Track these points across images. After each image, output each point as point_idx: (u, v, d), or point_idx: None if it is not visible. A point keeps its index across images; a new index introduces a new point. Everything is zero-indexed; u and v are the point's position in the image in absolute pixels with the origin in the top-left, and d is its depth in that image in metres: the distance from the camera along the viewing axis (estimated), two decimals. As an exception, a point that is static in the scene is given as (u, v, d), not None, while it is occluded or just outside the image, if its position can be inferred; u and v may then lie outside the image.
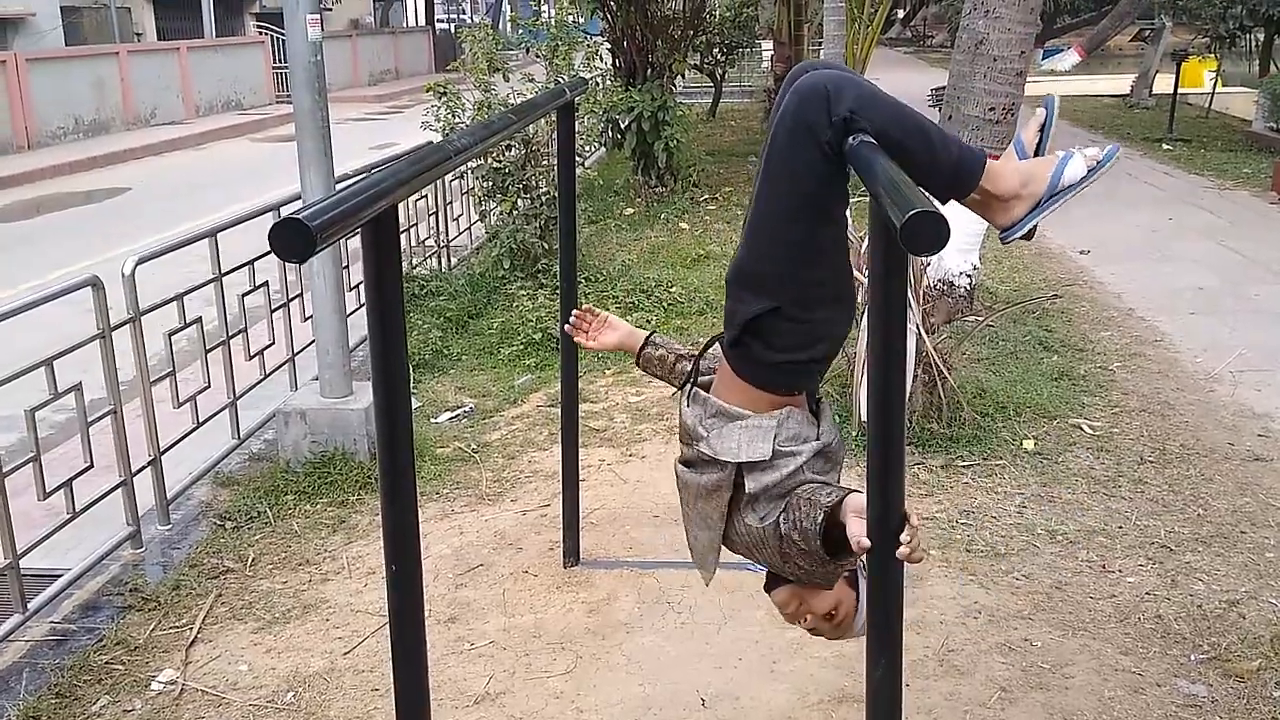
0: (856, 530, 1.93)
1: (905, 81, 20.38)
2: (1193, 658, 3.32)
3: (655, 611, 3.74)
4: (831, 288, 2.31)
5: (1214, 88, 17.63)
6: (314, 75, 4.67)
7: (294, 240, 1.40)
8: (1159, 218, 9.75)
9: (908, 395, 4.83)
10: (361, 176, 1.65)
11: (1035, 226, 2.24)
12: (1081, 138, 15.39)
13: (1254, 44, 15.89)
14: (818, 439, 2.38)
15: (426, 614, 3.73)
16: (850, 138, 2.08)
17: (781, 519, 2.30)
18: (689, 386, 2.62)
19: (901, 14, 39.10)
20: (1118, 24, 24.23)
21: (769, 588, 2.60)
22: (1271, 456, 4.72)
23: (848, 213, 2.34)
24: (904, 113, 2.18)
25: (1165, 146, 14.18)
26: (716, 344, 2.56)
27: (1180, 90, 16.21)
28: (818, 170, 2.18)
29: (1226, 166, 12.51)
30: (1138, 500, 4.38)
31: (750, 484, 2.30)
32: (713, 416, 2.46)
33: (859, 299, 2.97)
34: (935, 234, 1.36)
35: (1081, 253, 8.58)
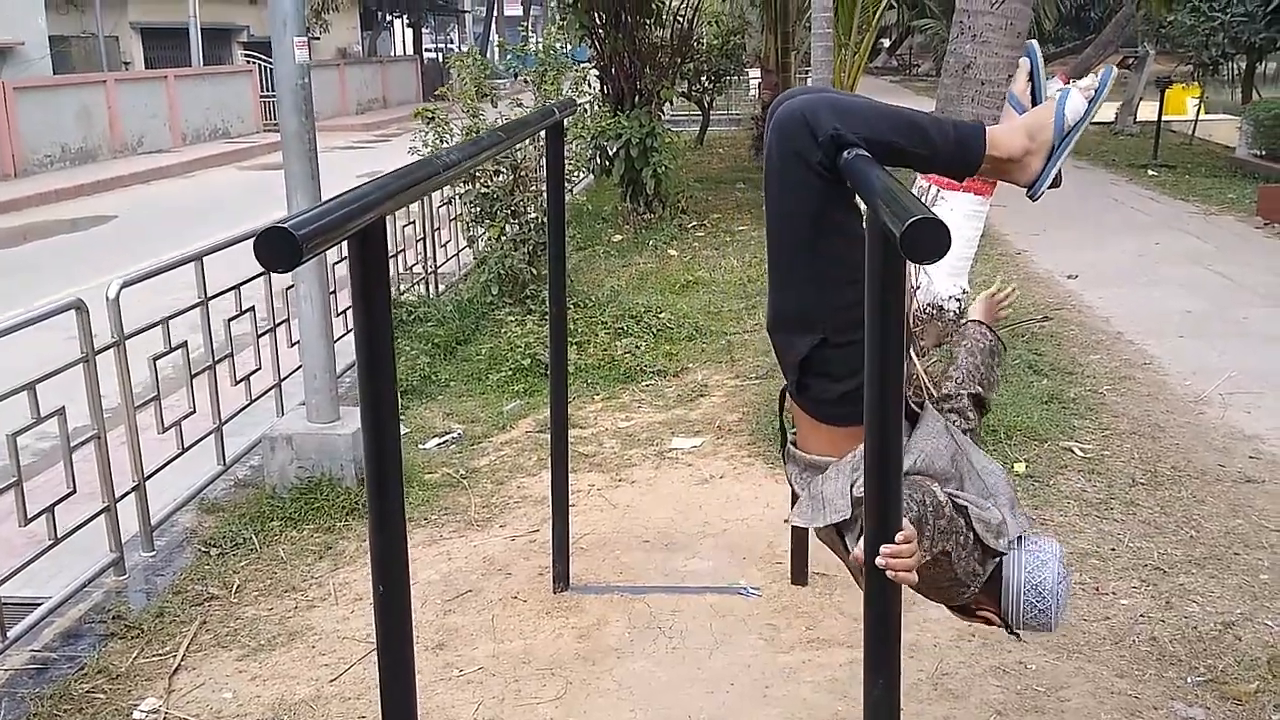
0: (857, 551, 1.90)
1: (891, 109, 20.46)
2: (1189, 680, 3.28)
3: (646, 636, 3.70)
4: None
5: (1197, 114, 17.78)
6: (301, 98, 4.65)
7: (280, 249, 1.38)
8: (1146, 243, 9.79)
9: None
10: (348, 190, 1.63)
11: (1060, 174, 2.23)
12: (1066, 165, 15.45)
13: (1236, 71, 16.03)
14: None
15: (415, 640, 3.69)
16: (842, 154, 2.07)
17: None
18: (784, 447, 2.57)
19: (887, 43, 39.36)
20: (1101, 52, 24.41)
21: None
22: (1263, 478, 4.70)
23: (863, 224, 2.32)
24: (886, 113, 2.17)
25: (1150, 172, 14.27)
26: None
27: (1164, 117, 16.34)
28: (818, 193, 2.17)
29: (1211, 192, 12.59)
30: (1130, 522, 4.35)
31: (851, 548, 2.20)
32: (804, 472, 2.43)
33: None
34: (936, 241, 1.35)
35: (1069, 277, 8.60)
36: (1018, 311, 7.46)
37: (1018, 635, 2.40)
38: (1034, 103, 2.36)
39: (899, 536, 1.79)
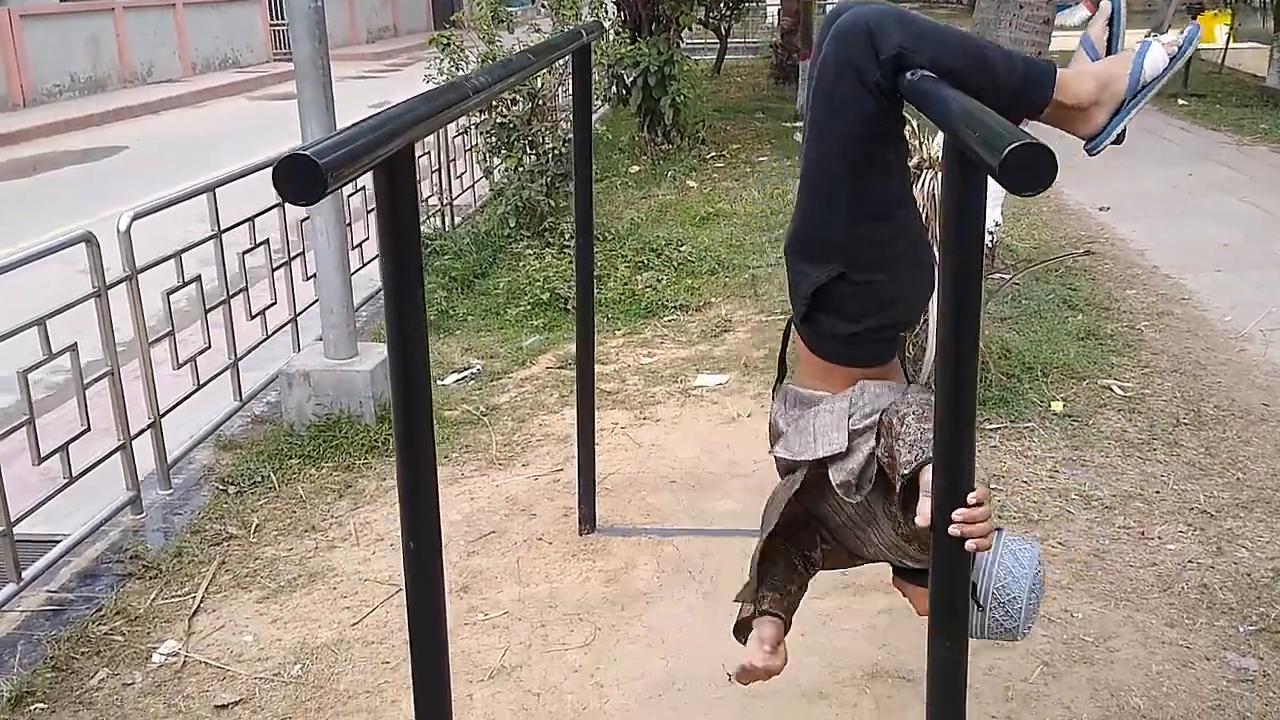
0: (925, 509, 1.76)
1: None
2: (1241, 629, 3.17)
3: (675, 581, 3.60)
4: (901, 242, 2.11)
5: (1227, 43, 17.31)
6: (314, 22, 4.47)
7: (302, 179, 1.23)
8: (1178, 174, 9.54)
9: (929, 359, 4.67)
10: (373, 114, 1.48)
11: (1125, 130, 2.06)
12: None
13: (1270, -1, 15.56)
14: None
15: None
16: (905, 75, 1.90)
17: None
18: (778, 384, 2.42)
19: (907, -31, 38.58)
20: (1129, -22, 23.86)
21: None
22: (1310, 418, 4.56)
23: (908, 160, 2.15)
24: (956, 39, 1.99)
25: (1180, 102, 13.92)
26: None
27: (1194, 45, 15.88)
28: (869, 116, 2.00)
29: (1244, 122, 12.27)
30: (1173, 464, 4.22)
31: (834, 477, 2.09)
32: (793, 407, 2.28)
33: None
34: (1042, 167, 1.19)
35: (1101, 209, 8.38)
36: (1048, 245, 7.28)
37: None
38: (1109, 51, 2.17)
39: (972, 498, 1.65)
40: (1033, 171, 1.20)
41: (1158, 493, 4.00)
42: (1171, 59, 2.04)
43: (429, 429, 1.68)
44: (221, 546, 3.96)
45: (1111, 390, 4.88)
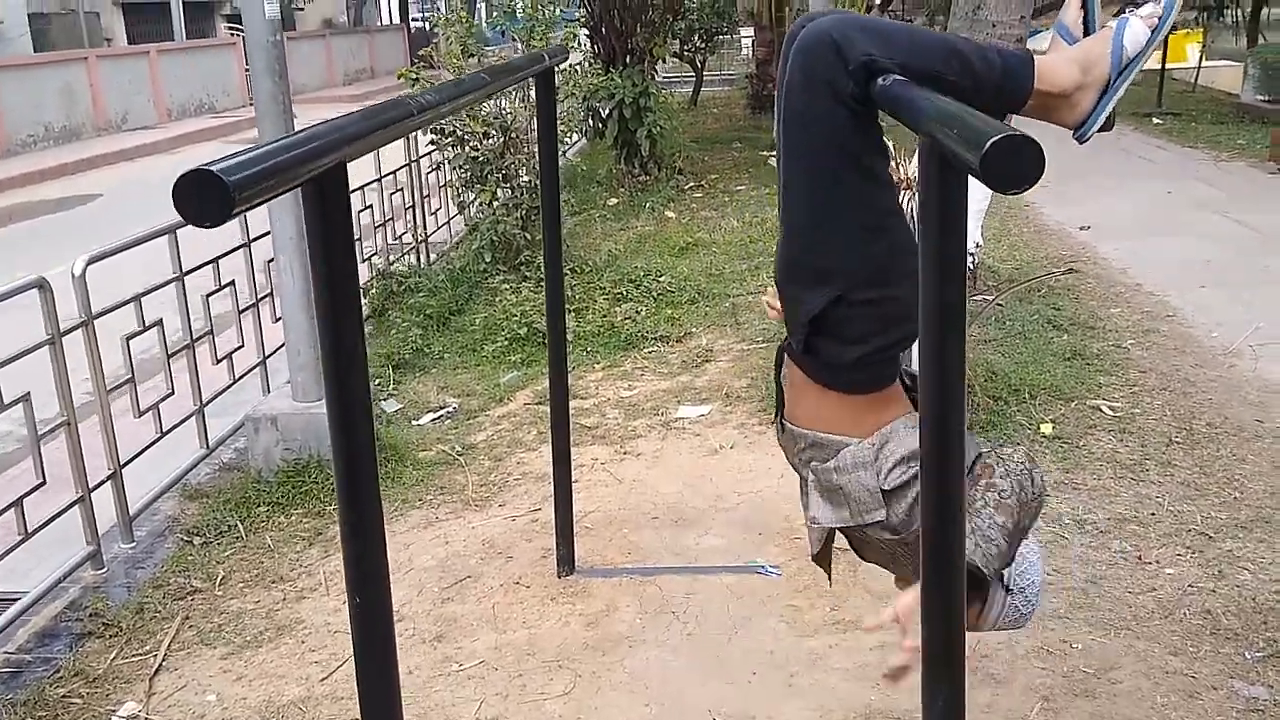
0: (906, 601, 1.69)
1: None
2: (1248, 656, 3.04)
3: (659, 622, 3.45)
4: (896, 254, 1.98)
5: (1200, 61, 17.40)
6: (274, 57, 4.35)
7: (206, 199, 1.11)
8: (1157, 191, 9.49)
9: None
10: (302, 129, 1.35)
11: (1113, 115, 1.95)
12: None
13: (1240, 16, 15.66)
14: None
15: (410, 632, 3.44)
16: (876, 81, 1.80)
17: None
18: (778, 417, 2.30)
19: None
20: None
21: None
22: (1305, 433, 4.46)
23: (891, 168, 2.04)
24: (924, 38, 1.89)
25: (1156, 120, 13.94)
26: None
27: (1166, 65, 15.96)
28: (846, 128, 1.89)
29: (1220, 138, 12.27)
30: (1168, 484, 4.10)
31: (873, 535, 2.07)
32: (806, 449, 2.16)
33: None
34: (1029, 160, 1.07)
35: (1082, 229, 8.31)
36: (1030, 266, 7.19)
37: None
38: (1086, 34, 2.07)
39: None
40: (1018, 166, 1.08)
41: (1153, 515, 3.87)
42: (1153, 31, 1.95)
43: (373, 476, 1.54)
44: (185, 601, 3.80)
45: (1101, 410, 4.77)
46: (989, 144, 1.09)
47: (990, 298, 5.86)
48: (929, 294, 1.37)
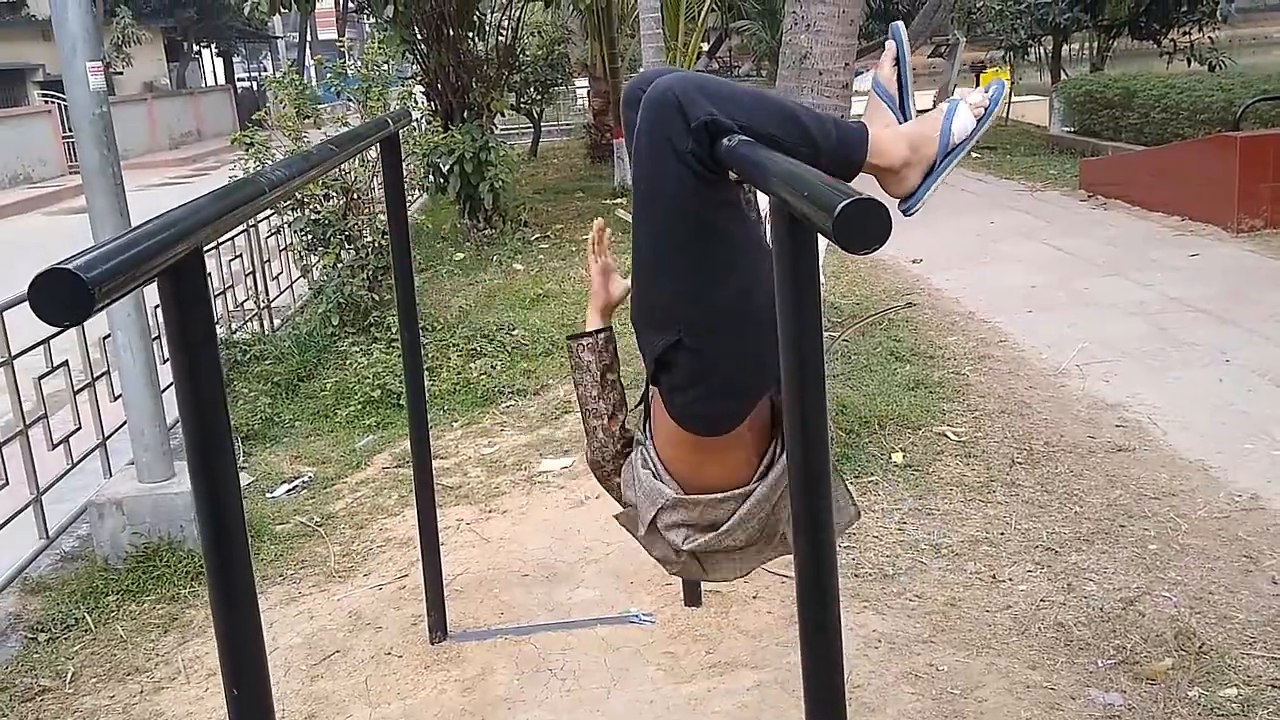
0: None
1: (720, 110, 20.60)
2: (1100, 664, 3.19)
3: (536, 681, 3.42)
4: (750, 306, 2.06)
5: (1009, 97, 18.45)
6: (100, 128, 4.22)
7: (65, 297, 1.08)
8: (981, 222, 9.99)
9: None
10: (153, 217, 1.33)
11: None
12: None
13: (1043, 53, 16.70)
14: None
15: (281, 714, 3.32)
16: (720, 142, 1.86)
17: None
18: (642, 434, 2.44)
19: (706, 46, 39.87)
20: (912, 42, 25.27)
21: None
22: (1133, 446, 4.72)
23: (746, 215, 2.11)
24: (765, 101, 1.98)
25: (974, 155, 14.66)
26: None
27: (980, 101, 16.86)
28: (686, 184, 1.96)
29: (1034, 169, 13.00)
30: (1014, 504, 4.30)
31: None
32: (635, 467, 2.40)
33: None
34: (877, 224, 1.14)
35: (914, 261, 8.68)
36: (869, 300, 7.46)
37: None
38: (900, 87, 2.20)
39: None
40: (869, 228, 1.15)
41: (1002, 534, 4.05)
42: (979, 120, 2.08)
43: (247, 573, 1.50)
44: (34, 702, 3.58)
45: (947, 437, 4.97)
46: (839, 208, 1.15)
47: (836, 334, 6.06)
48: (788, 348, 1.43)
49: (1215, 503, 4.16)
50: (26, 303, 3.67)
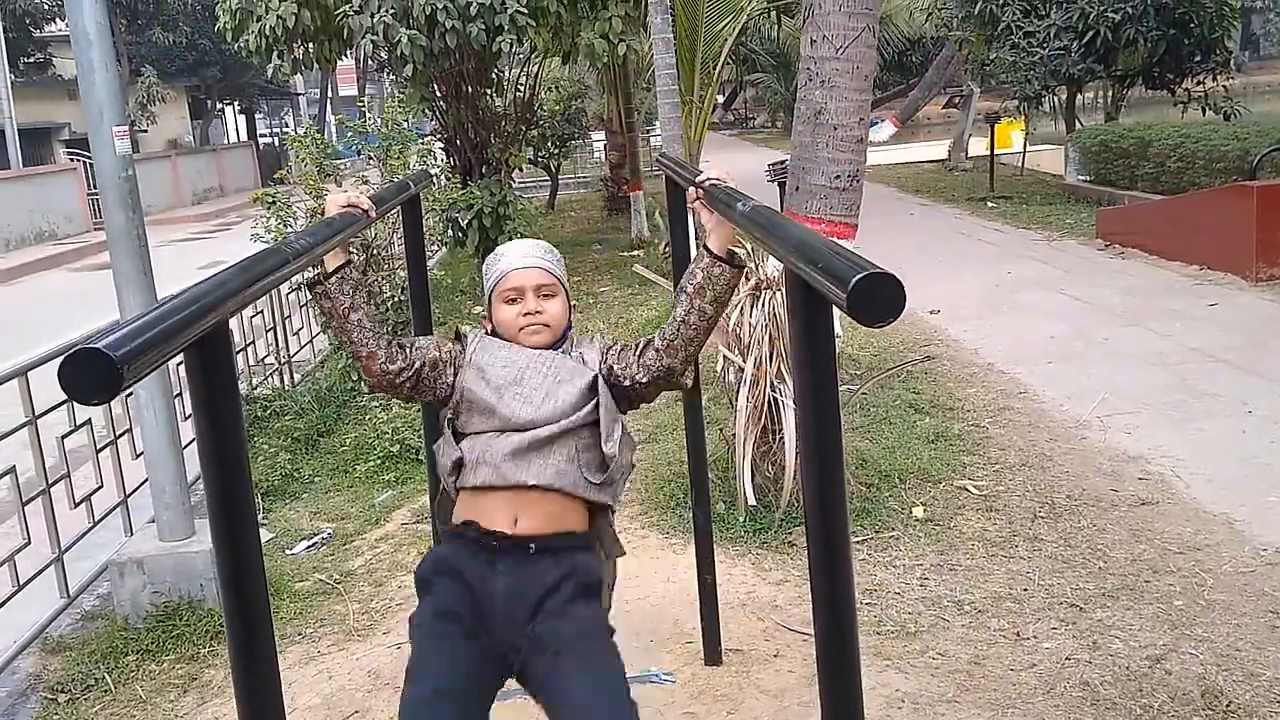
0: None
1: (737, 161, 20.80)
2: (1127, 724, 3.15)
3: (556, 742, 3.39)
4: None
5: (1024, 147, 18.53)
6: (126, 191, 4.29)
7: (93, 376, 1.10)
8: (998, 272, 9.99)
9: (791, 473, 4.65)
10: (180, 292, 1.35)
11: None
12: (909, 202, 15.89)
13: (1057, 103, 16.79)
14: None
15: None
16: (737, 205, 1.89)
17: None
18: None
19: (722, 99, 40.29)
20: (927, 94, 25.46)
21: None
22: (1156, 499, 4.69)
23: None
24: None
25: (989, 205, 14.71)
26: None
27: (994, 151, 16.96)
28: None
29: (1050, 219, 13.01)
30: (1037, 559, 4.26)
31: None
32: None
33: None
34: (893, 296, 1.15)
35: (932, 313, 8.67)
36: (887, 352, 7.46)
37: None
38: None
39: None
40: (883, 301, 1.16)
41: (1025, 590, 4.01)
42: None
43: (267, 634, 1.51)
44: (52, 765, 3.58)
45: (968, 490, 4.94)
46: (854, 282, 1.16)
47: (854, 387, 6.06)
48: (806, 417, 1.43)
49: (1241, 557, 4.12)
50: (50, 363, 3.72)
